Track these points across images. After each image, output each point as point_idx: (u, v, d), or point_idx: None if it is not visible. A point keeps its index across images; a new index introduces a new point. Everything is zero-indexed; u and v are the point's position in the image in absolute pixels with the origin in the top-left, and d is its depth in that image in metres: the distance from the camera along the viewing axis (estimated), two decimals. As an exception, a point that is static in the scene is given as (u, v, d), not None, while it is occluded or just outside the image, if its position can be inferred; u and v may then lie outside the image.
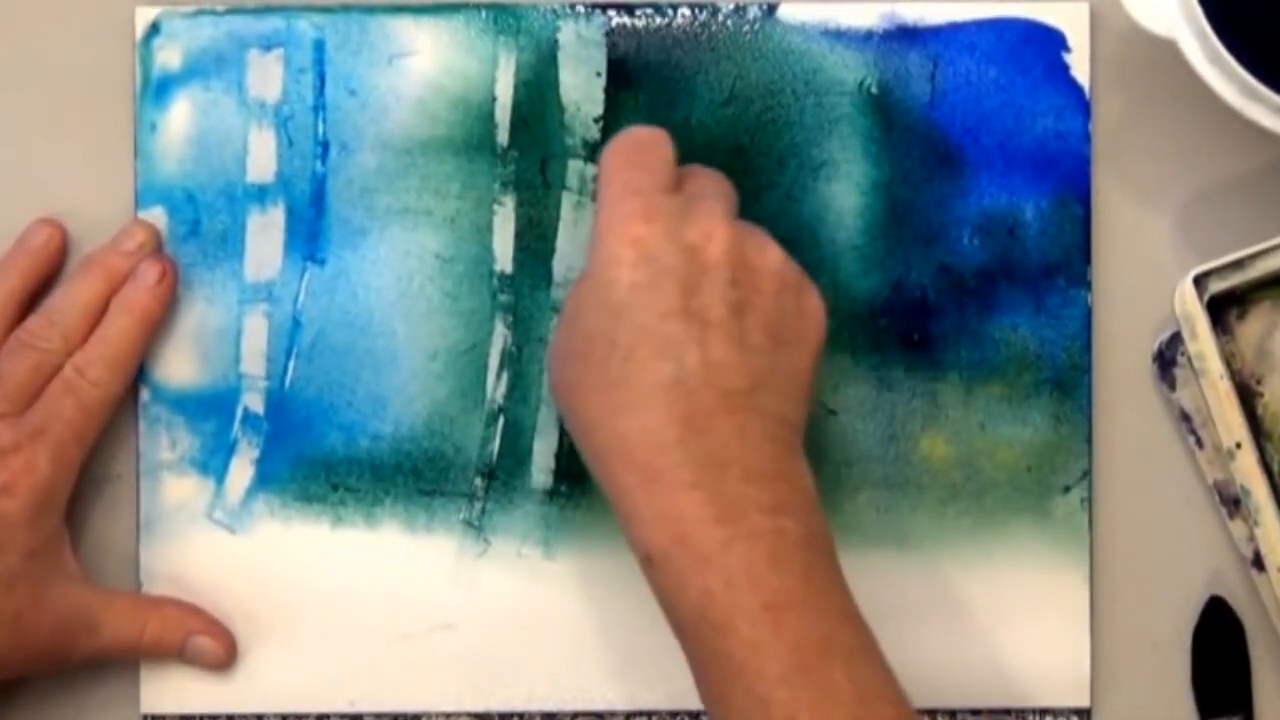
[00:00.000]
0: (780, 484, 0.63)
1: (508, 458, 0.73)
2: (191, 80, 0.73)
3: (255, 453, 0.73)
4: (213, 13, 0.73)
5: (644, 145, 0.66)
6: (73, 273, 0.72)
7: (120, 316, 0.71)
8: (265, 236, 0.73)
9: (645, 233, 0.64)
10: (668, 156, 0.66)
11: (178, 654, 0.72)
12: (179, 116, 0.73)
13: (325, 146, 0.73)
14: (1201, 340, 0.68)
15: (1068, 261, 0.72)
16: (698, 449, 0.62)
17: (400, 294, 0.73)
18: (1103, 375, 0.73)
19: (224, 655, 0.72)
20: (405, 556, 0.73)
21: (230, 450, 0.73)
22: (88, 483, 0.72)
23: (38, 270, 0.72)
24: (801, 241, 0.72)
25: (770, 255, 0.65)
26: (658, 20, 0.73)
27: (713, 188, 0.67)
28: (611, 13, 0.73)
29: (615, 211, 0.64)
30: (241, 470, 0.73)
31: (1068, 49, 0.72)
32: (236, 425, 0.73)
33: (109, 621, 0.71)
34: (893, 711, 0.61)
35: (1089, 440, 0.72)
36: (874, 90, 0.73)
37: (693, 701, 0.72)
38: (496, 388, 0.73)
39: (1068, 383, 0.72)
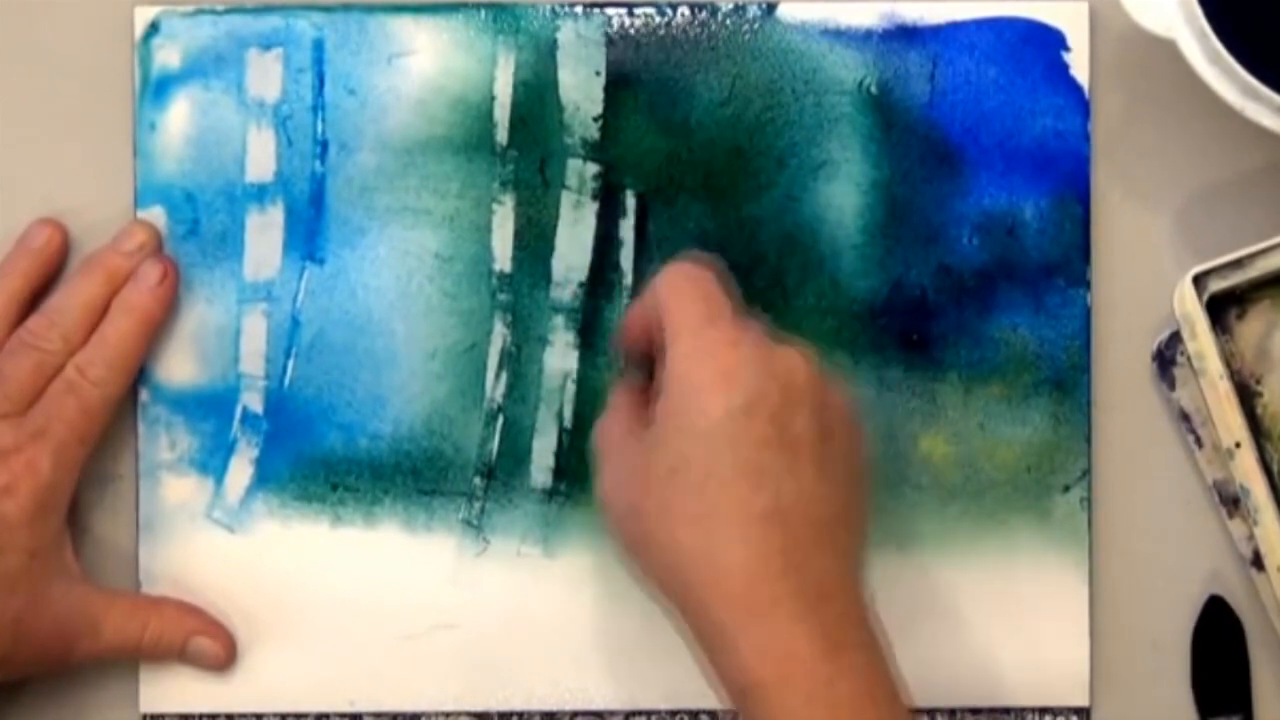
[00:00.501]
0: (866, 618, 0.64)
1: (507, 457, 0.73)
2: (191, 80, 0.73)
3: (254, 452, 0.73)
4: (212, 12, 0.73)
5: (704, 278, 0.66)
6: (73, 273, 0.72)
7: (121, 317, 0.71)
8: (264, 236, 0.73)
9: (735, 360, 0.64)
10: (724, 288, 0.67)
11: (178, 655, 0.72)
12: (178, 116, 0.73)
13: (324, 146, 0.73)
14: (1201, 340, 0.68)
15: (1067, 261, 0.72)
16: (799, 582, 0.62)
17: (399, 293, 0.73)
18: (1102, 375, 0.73)
19: (224, 656, 0.72)
20: (405, 556, 0.73)
21: (229, 450, 0.73)
22: (88, 483, 0.72)
23: (38, 271, 0.72)
24: (801, 241, 0.72)
25: (842, 390, 0.67)
26: (657, 20, 0.73)
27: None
28: (611, 12, 0.73)
29: (699, 340, 0.64)
30: (241, 470, 0.73)
31: (1067, 49, 0.72)
32: (236, 425, 0.73)
33: (109, 622, 0.70)
34: None
35: (1088, 440, 0.72)
36: (873, 90, 0.73)
37: (692, 701, 0.72)
38: (495, 387, 0.73)
39: (1067, 383, 0.72)
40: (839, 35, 0.73)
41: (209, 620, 0.72)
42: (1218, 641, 0.72)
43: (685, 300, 0.65)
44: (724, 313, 0.65)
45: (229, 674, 0.73)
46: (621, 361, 0.71)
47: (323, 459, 0.73)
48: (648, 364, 0.68)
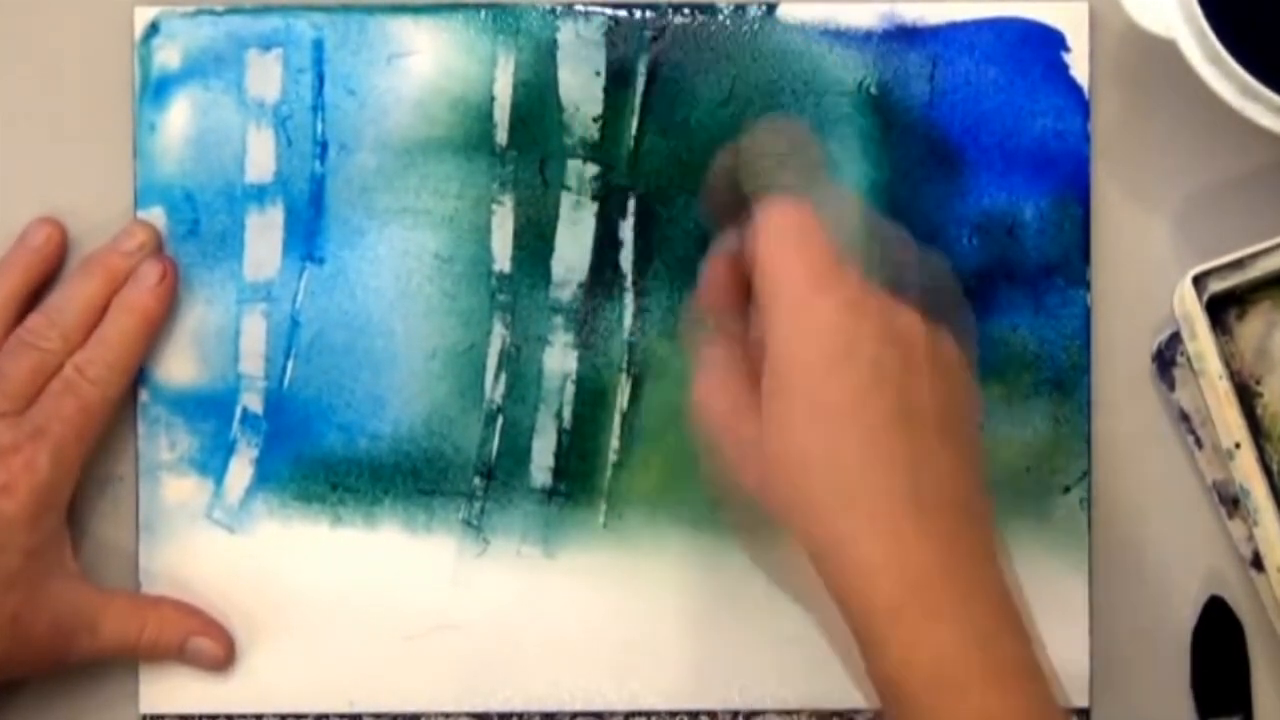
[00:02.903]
0: (1014, 605, 0.61)
1: (506, 457, 0.73)
2: (190, 80, 0.73)
3: (254, 452, 0.73)
4: (211, 12, 0.73)
5: (806, 226, 0.62)
6: (73, 272, 0.72)
7: (121, 316, 0.71)
8: (264, 236, 0.73)
9: (848, 333, 0.60)
10: (825, 232, 0.62)
11: (176, 655, 0.72)
12: (178, 116, 0.73)
13: (324, 146, 0.73)
14: (1201, 340, 0.68)
15: (1067, 261, 0.72)
16: (947, 575, 0.59)
17: (399, 294, 0.73)
18: (1102, 375, 0.73)
19: (222, 656, 0.72)
20: (404, 556, 0.73)
21: (229, 450, 0.73)
22: (88, 483, 0.72)
23: (38, 269, 0.72)
24: (801, 241, 0.72)
25: (953, 346, 0.63)
26: (657, 20, 0.73)
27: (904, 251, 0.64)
28: (611, 12, 0.73)
29: (805, 312, 0.60)
30: (241, 470, 0.73)
31: (1067, 49, 0.72)
32: (235, 425, 0.73)
33: (107, 622, 0.71)
34: None
35: (1088, 440, 0.72)
36: (873, 90, 0.73)
37: (692, 701, 0.72)
38: (495, 387, 0.73)
39: (1067, 383, 0.72)
40: (839, 36, 0.73)
41: (207, 620, 0.72)
42: (1218, 641, 0.72)
43: (786, 256, 0.61)
44: (829, 270, 0.61)
45: (229, 674, 0.73)
46: (708, 319, 0.66)
47: (322, 459, 0.73)
48: (738, 314, 0.65)
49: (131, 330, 0.71)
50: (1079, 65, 0.72)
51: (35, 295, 0.72)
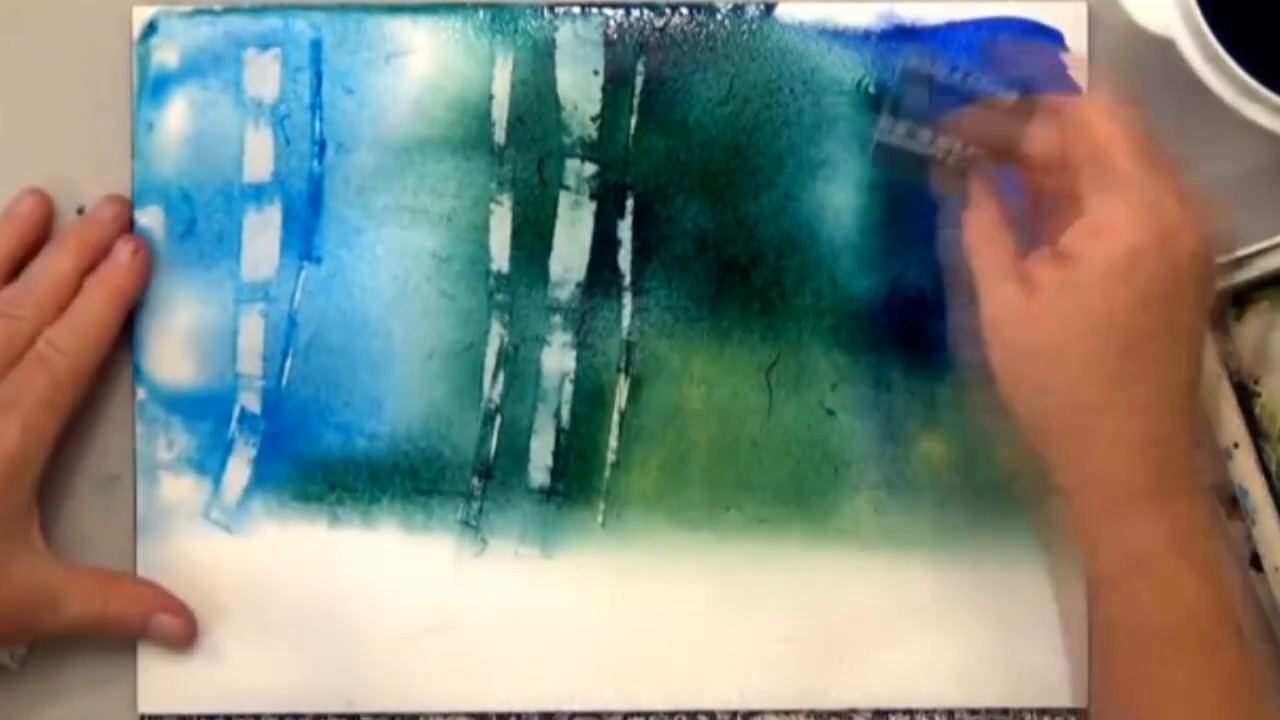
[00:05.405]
0: (1207, 508, 0.66)
1: (505, 457, 0.73)
2: (188, 79, 0.73)
3: (252, 452, 0.73)
4: (210, 12, 0.73)
5: (1141, 117, 0.65)
6: (48, 245, 0.72)
7: (94, 291, 0.71)
8: (262, 236, 0.73)
9: (1174, 219, 0.63)
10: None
11: (140, 631, 0.71)
12: (176, 116, 0.73)
13: (322, 145, 0.73)
14: (1199, 340, 0.68)
15: (1066, 261, 0.72)
16: (1159, 480, 0.64)
17: (397, 293, 0.73)
18: (1101, 375, 0.73)
19: (184, 633, 0.72)
20: (403, 556, 0.73)
21: (227, 450, 0.73)
22: (86, 482, 0.72)
23: (20, 238, 0.72)
24: (799, 241, 0.72)
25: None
26: (656, 20, 0.73)
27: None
28: (609, 12, 0.73)
29: (1140, 190, 0.64)
30: (238, 470, 0.73)
31: (1066, 49, 0.72)
32: (233, 425, 0.73)
33: (72, 598, 0.70)
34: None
35: (1087, 440, 0.72)
36: (872, 90, 0.73)
37: (691, 701, 0.72)
38: (493, 387, 0.73)
39: (1066, 382, 0.72)
40: (837, 35, 0.73)
41: (170, 597, 0.72)
42: (1217, 642, 0.72)
43: (1121, 133, 0.64)
44: (1161, 154, 0.64)
45: (227, 674, 0.73)
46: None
47: (320, 459, 0.73)
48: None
49: (103, 304, 0.71)
50: (1078, 65, 0.72)
51: (19, 265, 0.72)
